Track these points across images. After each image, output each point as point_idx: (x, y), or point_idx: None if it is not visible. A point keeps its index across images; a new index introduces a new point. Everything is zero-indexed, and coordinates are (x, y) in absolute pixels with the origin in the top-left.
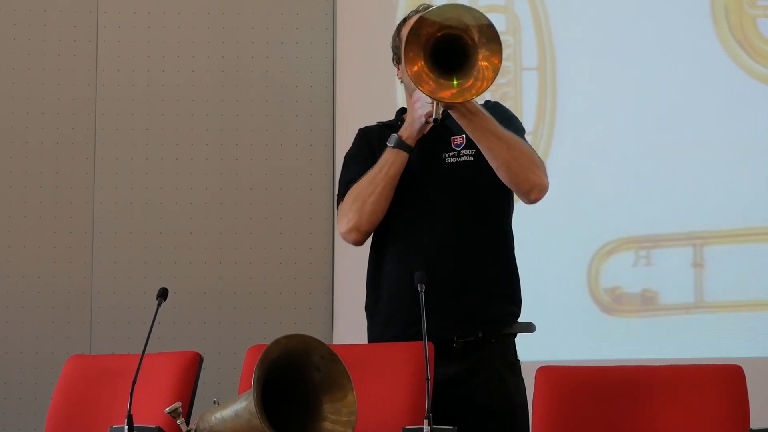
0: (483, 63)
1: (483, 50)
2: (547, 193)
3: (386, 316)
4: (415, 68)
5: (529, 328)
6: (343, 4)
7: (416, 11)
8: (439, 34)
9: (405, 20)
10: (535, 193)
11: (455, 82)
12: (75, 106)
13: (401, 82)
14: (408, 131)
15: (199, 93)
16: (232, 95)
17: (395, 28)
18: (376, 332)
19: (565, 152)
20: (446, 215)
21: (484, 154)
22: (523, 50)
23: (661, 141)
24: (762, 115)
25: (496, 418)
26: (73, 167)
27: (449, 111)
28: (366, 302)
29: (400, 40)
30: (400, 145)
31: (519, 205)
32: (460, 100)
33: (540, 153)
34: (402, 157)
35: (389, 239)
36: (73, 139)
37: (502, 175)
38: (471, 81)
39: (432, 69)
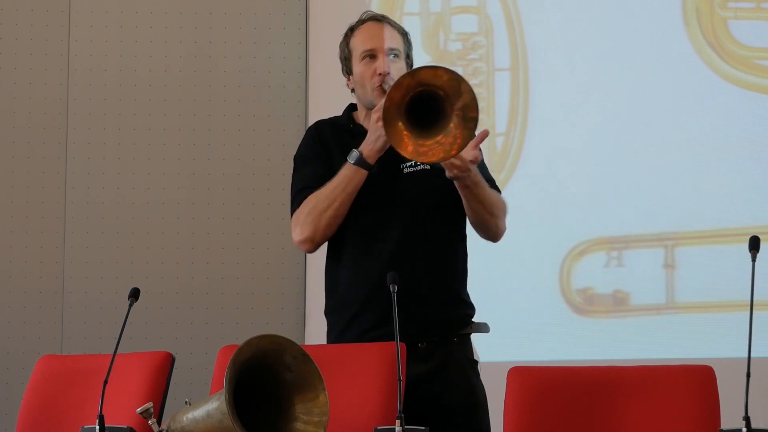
0: (452, 125)
1: (457, 119)
2: (519, 194)
3: (345, 322)
4: (396, 129)
5: (485, 328)
6: (315, 5)
7: (362, 21)
8: (419, 90)
9: (352, 30)
10: (497, 238)
11: (432, 139)
12: (47, 105)
13: (352, 92)
14: (369, 149)
15: (171, 92)
16: (204, 95)
17: (342, 36)
18: (332, 337)
19: (537, 153)
20: (401, 223)
21: (466, 206)
22: (496, 51)
23: (633, 142)
24: (733, 117)
25: (462, 417)
26: (44, 167)
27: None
28: (325, 308)
29: (349, 51)
30: (361, 163)
31: None
32: (433, 160)
33: (511, 154)
34: (361, 174)
35: (345, 247)
36: (44, 138)
37: (474, 221)
38: (442, 136)
39: (411, 128)
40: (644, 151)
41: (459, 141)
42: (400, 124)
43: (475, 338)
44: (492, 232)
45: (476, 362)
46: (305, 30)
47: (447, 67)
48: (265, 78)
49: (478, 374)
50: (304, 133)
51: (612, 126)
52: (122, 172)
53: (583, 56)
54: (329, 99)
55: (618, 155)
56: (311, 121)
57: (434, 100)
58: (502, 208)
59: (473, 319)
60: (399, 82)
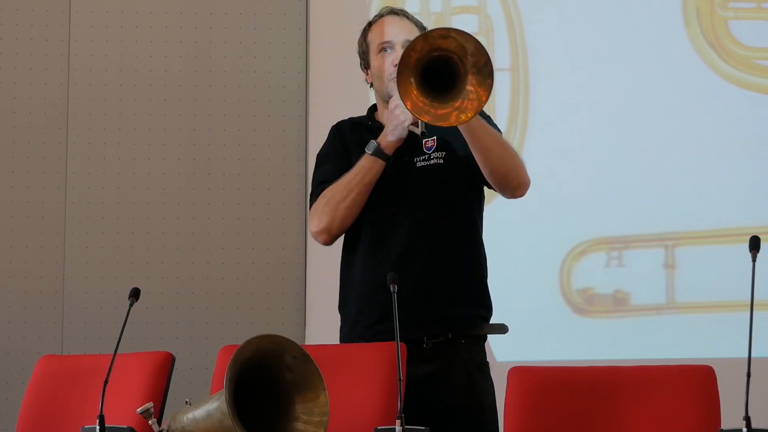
0: (470, 87)
1: (473, 77)
2: None
3: (353, 316)
4: (412, 97)
5: (501, 329)
6: (316, 4)
7: (380, 15)
8: (433, 55)
9: (370, 24)
10: (521, 189)
11: (450, 105)
12: (47, 105)
13: (371, 86)
14: (387, 140)
15: (171, 92)
16: (204, 95)
17: (361, 32)
18: (344, 332)
19: (537, 153)
20: (415, 218)
21: (478, 152)
22: (496, 51)
23: (633, 142)
24: (733, 117)
25: (465, 420)
26: (44, 167)
27: None
28: (339, 302)
29: (367, 45)
30: (379, 153)
31: (491, 207)
32: (455, 124)
33: None
34: (379, 165)
35: (359, 241)
36: (45, 138)
37: (493, 173)
38: (460, 101)
39: (425, 95)
40: (644, 151)
41: (483, 96)
42: (414, 90)
43: None
44: (513, 177)
45: (485, 364)
46: (305, 30)
47: (455, 28)
48: (266, 78)
49: (486, 377)
50: (304, 132)
51: (612, 126)
52: (122, 172)
53: (583, 56)
54: (329, 99)
55: (618, 155)
56: (312, 121)
57: (448, 67)
58: (517, 155)
59: (491, 321)
60: (411, 45)
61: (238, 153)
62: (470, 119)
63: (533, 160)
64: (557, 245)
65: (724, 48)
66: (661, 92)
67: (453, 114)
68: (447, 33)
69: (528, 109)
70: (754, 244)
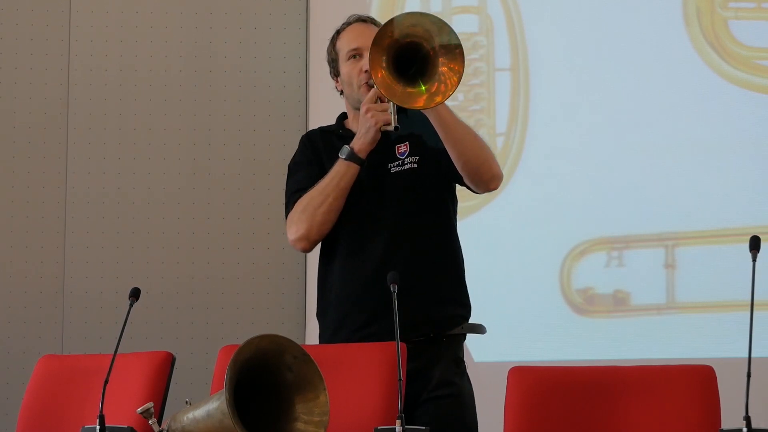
0: (443, 68)
1: (443, 57)
2: (520, 194)
3: (335, 322)
4: (381, 77)
5: (478, 329)
6: (316, 5)
7: (348, 23)
8: (400, 43)
9: (338, 32)
10: (495, 182)
11: (423, 88)
12: (47, 105)
13: (341, 94)
14: (360, 143)
15: (171, 92)
16: (205, 95)
17: (329, 41)
18: (326, 337)
19: (537, 153)
20: (391, 223)
21: (450, 143)
22: (496, 51)
23: (633, 142)
24: (733, 117)
25: (445, 411)
26: (45, 166)
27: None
28: (317, 310)
29: (336, 53)
30: (352, 157)
31: (491, 206)
32: (431, 106)
33: (512, 154)
34: (353, 169)
35: (336, 247)
36: (45, 138)
37: (466, 165)
38: (436, 85)
39: (397, 78)
40: (644, 151)
41: (458, 69)
42: (384, 72)
43: (476, 338)
44: (486, 170)
45: (461, 359)
46: (305, 30)
47: (422, 12)
48: (266, 78)
49: (463, 372)
50: (304, 132)
51: (612, 126)
52: (122, 172)
53: (583, 56)
54: (329, 99)
55: (618, 155)
56: (312, 121)
57: (419, 54)
58: (488, 148)
59: (470, 320)
60: (382, 27)
61: (238, 153)
62: (449, 95)
63: (534, 160)
64: (557, 245)
65: (724, 48)
66: (661, 92)
67: (426, 96)
68: (416, 21)
69: (528, 109)
70: (755, 244)
